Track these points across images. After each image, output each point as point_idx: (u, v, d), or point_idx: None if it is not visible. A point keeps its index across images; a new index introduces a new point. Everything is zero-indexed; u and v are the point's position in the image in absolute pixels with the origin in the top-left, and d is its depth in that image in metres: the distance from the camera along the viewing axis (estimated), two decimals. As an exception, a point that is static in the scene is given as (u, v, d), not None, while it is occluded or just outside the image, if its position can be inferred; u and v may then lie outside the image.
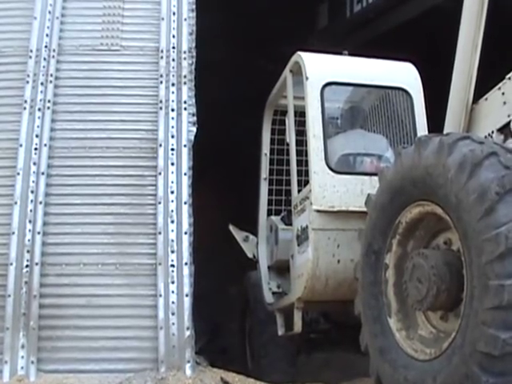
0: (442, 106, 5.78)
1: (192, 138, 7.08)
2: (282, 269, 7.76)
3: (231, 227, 9.18)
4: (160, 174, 6.93)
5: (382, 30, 10.98)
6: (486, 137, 5.28)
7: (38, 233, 6.64)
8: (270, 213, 8.22)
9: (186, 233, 6.74)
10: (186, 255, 6.68)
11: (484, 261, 3.81)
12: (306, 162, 6.77)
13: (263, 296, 7.84)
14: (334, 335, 7.72)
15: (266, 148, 8.11)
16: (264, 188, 8.14)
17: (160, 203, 6.83)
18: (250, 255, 9.25)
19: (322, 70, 6.68)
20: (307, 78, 6.55)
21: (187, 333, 6.44)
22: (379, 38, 10.73)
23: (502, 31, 8.19)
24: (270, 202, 8.22)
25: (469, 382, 3.84)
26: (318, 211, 6.21)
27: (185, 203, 6.82)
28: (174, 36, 7.53)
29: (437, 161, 4.31)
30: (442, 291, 4.36)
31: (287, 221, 7.69)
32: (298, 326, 6.72)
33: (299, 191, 6.78)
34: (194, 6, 7.73)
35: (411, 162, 4.60)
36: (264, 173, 8.11)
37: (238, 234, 9.40)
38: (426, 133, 6.58)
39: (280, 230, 7.72)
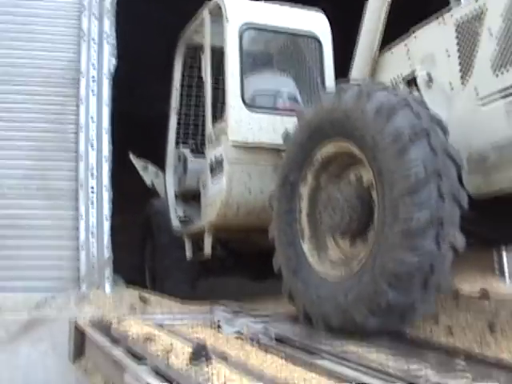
0: (348, 53, 6.27)
1: (112, 68, 7.34)
2: (188, 197, 8.23)
3: (131, 156, 9.49)
4: (82, 102, 7.19)
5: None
6: (389, 87, 5.87)
7: (-38, 156, 6.82)
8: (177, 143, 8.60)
9: (105, 159, 7.07)
10: (106, 180, 7.03)
11: (396, 194, 4.36)
12: (217, 97, 7.25)
13: (169, 222, 8.27)
14: (229, 262, 8.28)
15: (176, 82, 8.44)
16: (173, 119, 8.48)
17: (81, 130, 7.11)
18: (148, 183, 9.65)
19: (241, 14, 7.06)
20: (227, 20, 6.92)
21: (106, 253, 6.85)
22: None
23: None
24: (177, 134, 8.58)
25: (377, 298, 4.41)
26: (234, 144, 6.69)
27: (105, 131, 7.13)
28: (97, -33, 7.67)
29: (356, 106, 4.76)
30: (354, 220, 4.92)
31: (196, 151, 8.13)
32: (208, 249, 7.22)
33: (213, 125, 7.21)
34: None
35: (331, 106, 5.04)
36: (174, 104, 8.45)
37: (138, 163, 9.76)
38: (333, 78, 7.14)
39: (189, 160, 8.14)
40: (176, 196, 8.39)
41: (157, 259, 8.92)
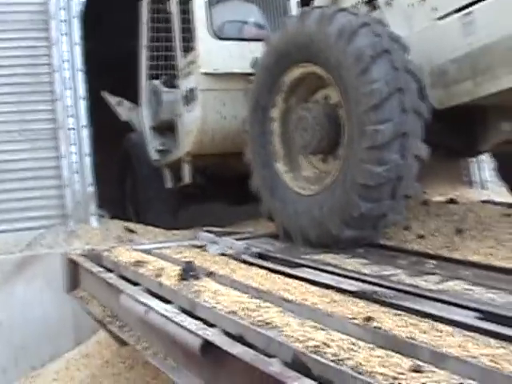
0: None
1: (81, 8, 7.44)
2: (164, 128, 8.42)
3: (104, 93, 9.60)
4: (53, 44, 7.31)
5: None
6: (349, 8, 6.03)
7: None
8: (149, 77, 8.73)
9: (83, 98, 7.25)
10: (84, 118, 7.22)
11: (361, 111, 4.61)
12: (185, 29, 7.39)
13: (148, 154, 8.49)
14: (208, 189, 8.52)
15: (145, 17, 8.54)
16: (144, 54, 8.60)
17: (55, 72, 7.25)
18: (124, 118, 9.81)
19: None
20: None
21: (90, 189, 7.10)
22: None
23: None
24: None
25: (350, 208, 4.72)
26: (205, 74, 6.89)
27: (79, 70, 7.29)
28: None
29: (318, 29, 4.96)
30: (324, 138, 5.16)
31: (169, 84, 8.30)
32: (187, 177, 7.49)
33: (183, 57, 7.37)
34: None
35: (295, 30, 5.22)
36: (144, 40, 8.58)
37: (112, 99, 9.89)
38: (298, 5, 7.32)
39: (163, 92, 8.31)
40: (152, 128, 8.56)
41: (138, 192, 9.12)
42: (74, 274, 5.07)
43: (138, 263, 4.41)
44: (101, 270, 4.62)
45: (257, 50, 6.43)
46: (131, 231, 6.96)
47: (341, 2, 6.20)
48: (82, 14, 7.48)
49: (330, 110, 5.21)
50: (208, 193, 8.64)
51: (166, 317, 3.18)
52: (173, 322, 3.08)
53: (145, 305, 3.50)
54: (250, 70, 6.15)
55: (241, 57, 6.91)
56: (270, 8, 7.62)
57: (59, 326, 6.37)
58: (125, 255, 4.74)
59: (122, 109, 10.07)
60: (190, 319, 3.11)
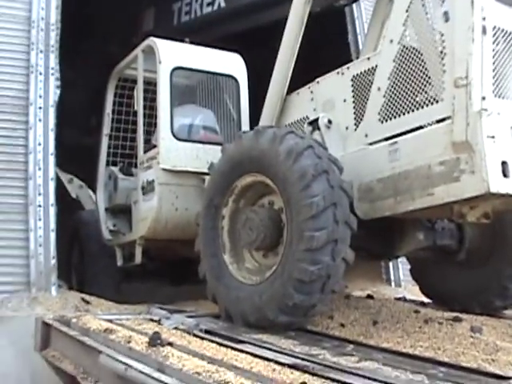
0: (263, 95, 7.39)
1: (57, 99, 8.33)
2: (117, 211, 9.32)
3: (57, 170, 10.40)
4: (30, 128, 8.17)
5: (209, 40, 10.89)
6: (292, 123, 7.06)
7: None
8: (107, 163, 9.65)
9: (52, 179, 8.08)
10: (52, 197, 8.04)
11: (301, 219, 5.52)
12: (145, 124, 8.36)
13: (97, 233, 9.32)
14: (151, 268, 9.25)
15: (109, 108, 9.50)
16: (105, 142, 9.55)
17: (30, 153, 8.09)
18: (73, 195, 10.66)
19: (172, 56, 8.21)
20: (160, 62, 8.05)
21: (52, 261, 7.87)
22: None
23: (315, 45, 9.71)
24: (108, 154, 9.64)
25: (285, 299, 5.59)
26: (164, 169, 7.84)
27: (51, 154, 8.14)
28: (43, 8, 8.63)
29: (270, 147, 5.88)
30: (267, 237, 6.04)
31: (125, 171, 9.22)
32: (138, 258, 8.34)
33: (144, 151, 8.33)
34: None
35: (250, 145, 6.13)
36: (106, 129, 9.53)
37: (64, 176, 10.74)
38: (248, 112, 8.37)
39: (119, 179, 9.23)
40: (106, 210, 9.42)
41: (85, 266, 9.80)
42: (46, 335, 5.84)
43: (107, 330, 5.24)
44: (76, 333, 5.43)
45: (209, 152, 7.50)
46: (87, 302, 7.71)
47: (285, 118, 7.24)
48: (57, 103, 8.33)
49: (274, 214, 6.12)
50: (150, 271, 9.36)
51: (145, 374, 4.04)
52: (152, 377, 3.94)
53: (124, 363, 4.35)
54: (201, 170, 7.16)
55: (195, 157, 7.92)
56: (223, 114, 8.64)
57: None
58: (93, 323, 5.55)
59: (72, 186, 10.96)
60: (164, 376, 3.98)
